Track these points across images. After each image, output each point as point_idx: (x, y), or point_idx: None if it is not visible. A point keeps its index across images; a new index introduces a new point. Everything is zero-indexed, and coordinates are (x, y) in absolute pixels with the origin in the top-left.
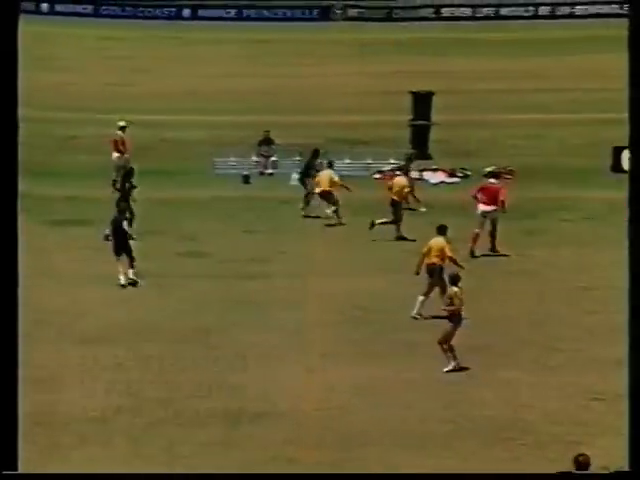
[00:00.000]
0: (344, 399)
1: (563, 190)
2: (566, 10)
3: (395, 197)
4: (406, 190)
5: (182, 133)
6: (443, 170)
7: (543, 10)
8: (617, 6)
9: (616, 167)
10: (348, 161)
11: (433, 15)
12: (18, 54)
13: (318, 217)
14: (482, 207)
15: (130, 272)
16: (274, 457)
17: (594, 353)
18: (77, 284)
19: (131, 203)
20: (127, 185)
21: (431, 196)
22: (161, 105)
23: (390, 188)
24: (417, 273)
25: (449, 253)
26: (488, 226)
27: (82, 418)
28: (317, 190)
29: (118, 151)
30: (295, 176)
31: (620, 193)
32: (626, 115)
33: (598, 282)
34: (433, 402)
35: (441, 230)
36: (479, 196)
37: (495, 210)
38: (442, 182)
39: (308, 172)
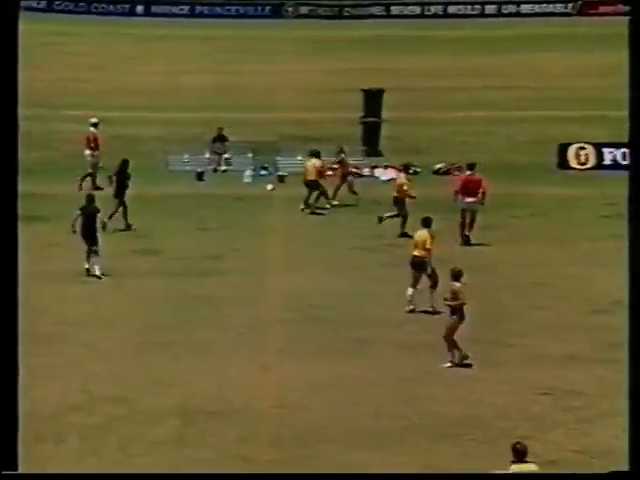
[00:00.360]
0: (299, 396)
1: (511, 187)
2: (512, 8)
3: (396, 194)
4: (405, 187)
5: (135, 130)
6: (393, 167)
7: (489, 8)
8: (562, 5)
9: (562, 164)
10: (300, 158)
11: (383, 13)
12: (18, 54)
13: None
14: (465, 199)
15: (97, 267)
16: (228, 455)
17: (543, 348)
18: (31, 281)
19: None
20: (121, 179)
21: (382, 193)
22: (114, 102)
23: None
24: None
25: (428, 246)
26: (468, 218)
27: (36, 416)
28: (304, 179)
29: (90, 148)
30: (249, 173)
31: (566, 190)
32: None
33: (547, 278)
34: (387, 399)
35: (425, 222)
36: (460, 189)
37: (475, 202)
38: (392, 179)
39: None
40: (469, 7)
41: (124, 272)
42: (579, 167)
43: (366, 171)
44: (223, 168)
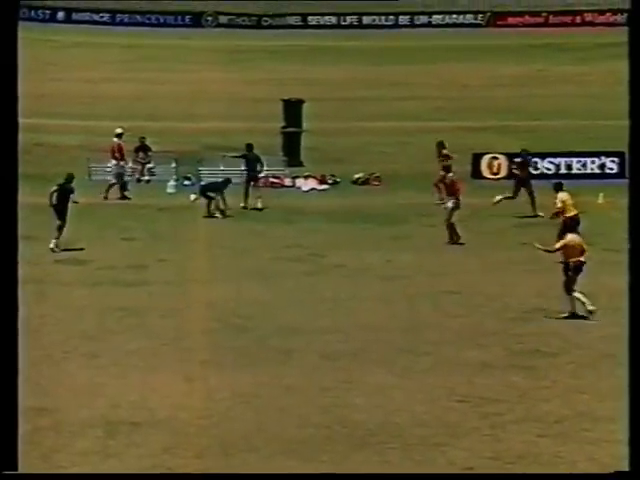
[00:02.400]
0: (224, 407)
1: (427, 196)
2: (424, 19)
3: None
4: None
5: (58, 138)
6: (314, 177)
7: (403, 19)
8: (472, 16)
9: (475, 174)
10: (223, 168)
11: (300, 23)
12: (17, 61)
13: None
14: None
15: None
16: (153, 466)
17: (459, 356)
18: None
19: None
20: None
21: (303, 203)
22: (36, 109)
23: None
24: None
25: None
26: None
27: None
28: None
29: (115, 158)
30: (172, 183)
31: (478, 199)
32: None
33: (462, 286)
34: (310, 408)
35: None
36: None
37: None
38: (313, 189)
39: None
40: (383, 18)
41: (48, 282)
42: (492, 177)
43: (287, 181)
44: (146, 178)
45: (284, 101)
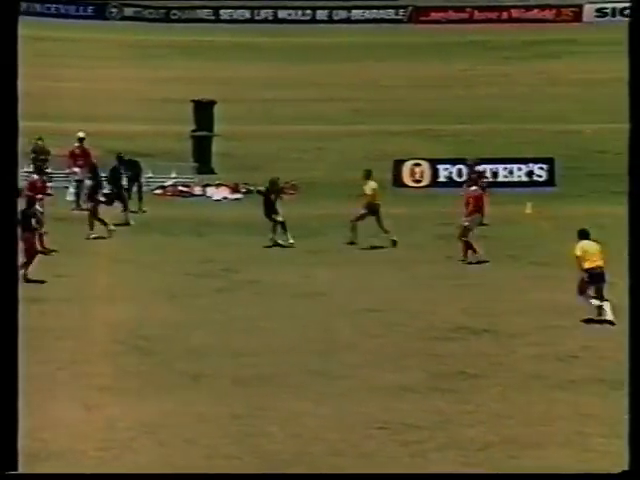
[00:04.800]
0: (126, 437)
1: (345, 206)
2: (343, 14)
3: None
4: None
5: None
6: (226, 185)
7: (320, 14)
8: (393, 11)
9: (397, 181)
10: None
11: (212, 17)
12: (17, 58)
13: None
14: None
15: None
16: None
17: (378, 379)
18: None
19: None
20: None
21: (214, 214)
22: None
23: None
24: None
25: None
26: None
27: None
28: None
29: (77, 165)
30: (72, 190)
31: (401, 209)
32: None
33: (383, 304)
34: (219, 438)
35: (584, 234)
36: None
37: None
38: (225, 198)
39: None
40: (300, 12)
41: None
42: (414, 185)
43: (197, 190)
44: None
45: (194, 102)
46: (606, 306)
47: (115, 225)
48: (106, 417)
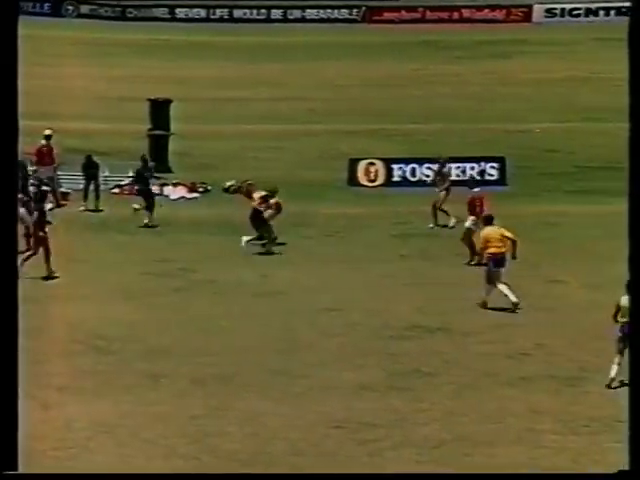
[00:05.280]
0: (83, 437)
1: (302, 205)
2: (298, 14)
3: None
4: None
5: None
6: (183, 185)
7: (275, 13)
8: (346, 11)
9: (352, 180)
10: (81, 173)
11: (168, 15)
12: (17, 57)
13: None
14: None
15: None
16: None
17: (336, 379)
18: None
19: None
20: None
21: (171, 213)
22: None
23: None
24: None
25: (507, 234)
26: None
27: None
28: None
29: (43, 163)
30: (32, 189)
31: (357, 209)
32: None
33: (340, 303)
34: (178, 437)
35: (488, 220)
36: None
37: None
38: (182, 197)
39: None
40: (255, 11)
41: None
42: (369, 184)
43: (155, 189)
44: None
45: (150, 101)
46: (506, 289)
47: (73, 225)
48: (64, 417)
